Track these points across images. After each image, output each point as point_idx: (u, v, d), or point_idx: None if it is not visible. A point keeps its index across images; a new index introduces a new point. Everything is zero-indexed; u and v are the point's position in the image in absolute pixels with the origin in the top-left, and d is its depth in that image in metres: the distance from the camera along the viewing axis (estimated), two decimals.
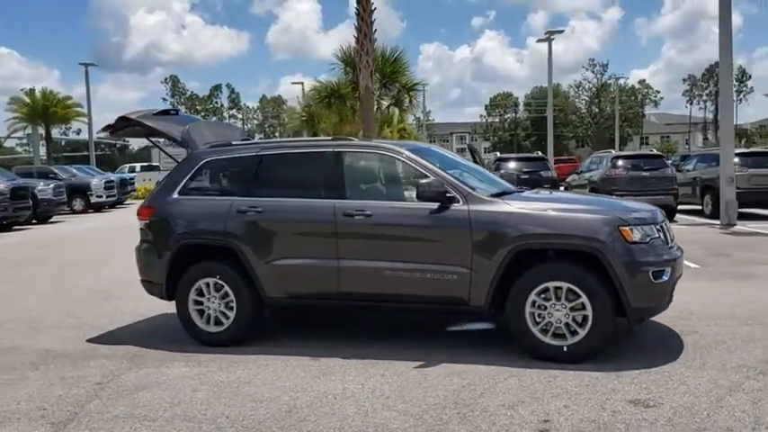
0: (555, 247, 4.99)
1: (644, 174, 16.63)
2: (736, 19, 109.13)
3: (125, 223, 15.56)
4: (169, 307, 6.98)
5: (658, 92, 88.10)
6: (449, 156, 6.12)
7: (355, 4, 15.27)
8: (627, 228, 4.85)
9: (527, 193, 5.82)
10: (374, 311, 6.43)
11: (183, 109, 76.73)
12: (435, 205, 5.19)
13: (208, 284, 5.75)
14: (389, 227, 5.34)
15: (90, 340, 6.18)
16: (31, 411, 4.35)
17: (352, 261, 5.37)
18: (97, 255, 12.25)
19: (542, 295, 4.93)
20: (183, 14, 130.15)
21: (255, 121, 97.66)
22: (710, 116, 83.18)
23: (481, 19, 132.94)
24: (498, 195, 5.36)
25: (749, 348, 5.16)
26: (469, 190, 5.26)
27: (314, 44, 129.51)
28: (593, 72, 79.28)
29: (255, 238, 5.61)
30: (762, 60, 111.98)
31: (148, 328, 6.59)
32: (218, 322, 5.75)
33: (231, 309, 5.69)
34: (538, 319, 4.95)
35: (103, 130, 6.85)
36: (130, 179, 30.61)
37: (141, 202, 6.32)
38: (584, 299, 4.82)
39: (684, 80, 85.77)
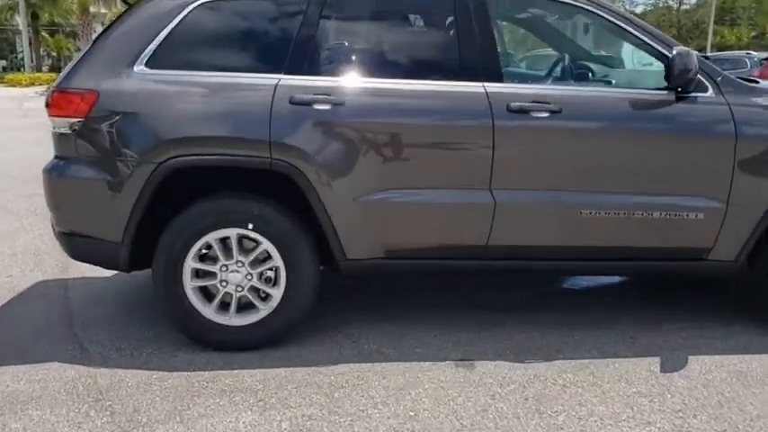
0: None
1: None
2: None
3: None
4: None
5: None
6: None
7: None
8: None
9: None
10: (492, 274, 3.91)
11: None
12: (667, 95, 3.09)
13: (224, 241, 3.03)
14: (592, 132, 3.11)
15: None
16: None
17: (521, 193, 3.08)
18: None
19: None
20: None
21: None
22: None
23: None
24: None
25: None
26: (720, 71, 3.20)
27: None
28: None
29: (334, 152, 2.98)
30: None
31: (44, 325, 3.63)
32: (246, 307, 3.11)
33: (272, 282, 3.08)
34: None
35: None
36: None
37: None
38: None
39: None
